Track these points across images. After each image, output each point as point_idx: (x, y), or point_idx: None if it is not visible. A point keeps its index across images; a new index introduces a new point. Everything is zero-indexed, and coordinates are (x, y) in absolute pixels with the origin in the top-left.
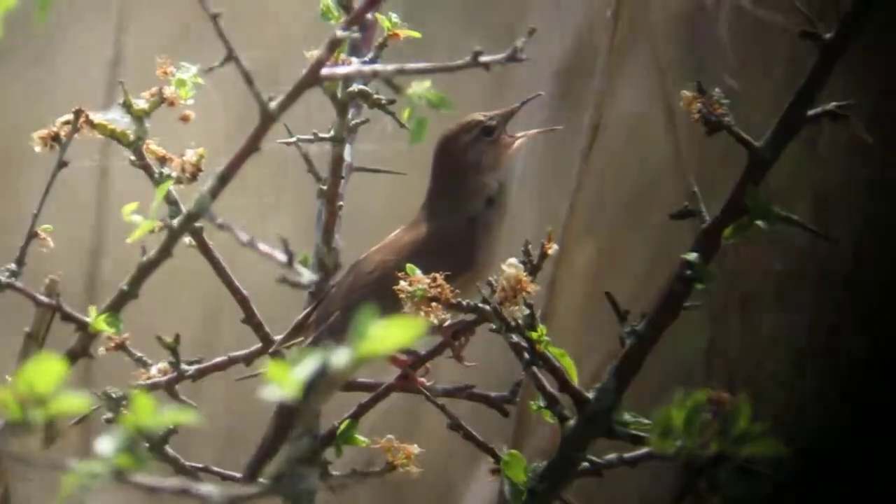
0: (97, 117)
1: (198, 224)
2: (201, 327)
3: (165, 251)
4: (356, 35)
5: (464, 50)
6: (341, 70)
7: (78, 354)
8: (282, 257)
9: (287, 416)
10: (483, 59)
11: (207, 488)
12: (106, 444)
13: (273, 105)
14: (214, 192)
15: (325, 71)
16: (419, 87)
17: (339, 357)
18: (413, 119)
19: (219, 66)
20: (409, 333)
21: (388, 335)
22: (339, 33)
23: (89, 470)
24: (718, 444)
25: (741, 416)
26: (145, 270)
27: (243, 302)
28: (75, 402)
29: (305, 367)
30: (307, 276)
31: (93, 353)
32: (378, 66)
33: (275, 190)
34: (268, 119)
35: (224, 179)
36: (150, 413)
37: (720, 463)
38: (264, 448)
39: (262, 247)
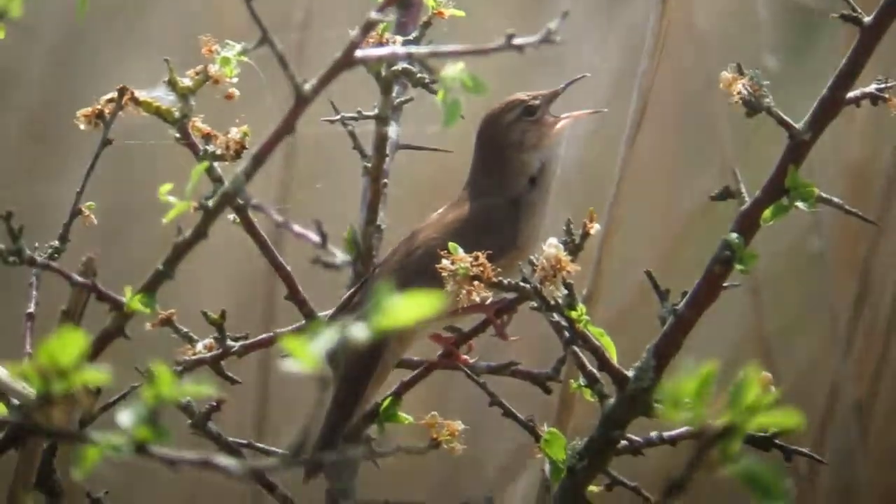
0: (142, 95)
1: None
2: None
3: (201, 232)
4: (390, 19)
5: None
6: (376, 52)
7: (113, 335)
8: (315, 238)
9: (345, 396)
10: (516, 41)
11: (228, 461)
12: (126, 417)
13: (307, 87)
14: (249, 173)
15: (359, 53)
16: (453, 70)
17: (358, 331)
18: (447, 101)
19: (253, 49)
20: (429, 307)
21: (408, 309)
22: (374, 15)
23: (110, 442)
24: (729, 414)
25: (751, 384)
26: (181, 251)
27: (287, 278)
28: (97, 375)
29: (324, 341)
30: (340, 256)
31: (128, 334)
32: (413, 49)
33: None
34: (302, 101)
35: (258, 160)
36: (170, 385)
37: (731, 433)
38: (328, 431)
39: (297, 227)
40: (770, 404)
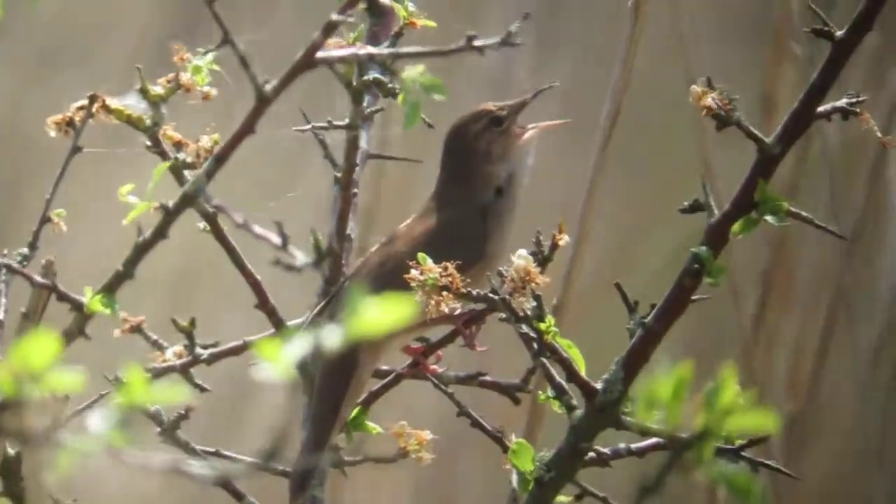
0: (114, 102)
1: (211, 210)
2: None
3: (160, 232)
4: (351, 19)
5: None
6: (337, 53)
7: (73, 335)
8: (276, 240)
9: (322, 414)
10: (477, 43)
11: (198, 466)
12: (98, 421)
13: (268, 88)
14: (210, 173)
15: (320, 54)
16: (413, 72)
17: (331, 336)
18: (407, 103)
19: (214, 50)
20: (402, 314)
21: (383, 315)
22: (334, 17)
23: (82, 446)
24: (704, 418)
25: (726, 387)
26: (141, 251)
27: (256, 286)
28: (70, 380)
29: (297, 346)
30: (301, 258)
31: (88, 334)
32: (373, 49)
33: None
34: (263, 102)
35: (220, 160)
36: (143, 390)
37: (706, 437)
38: (309, 449)
39: (257, 229)
40: (744, 406)
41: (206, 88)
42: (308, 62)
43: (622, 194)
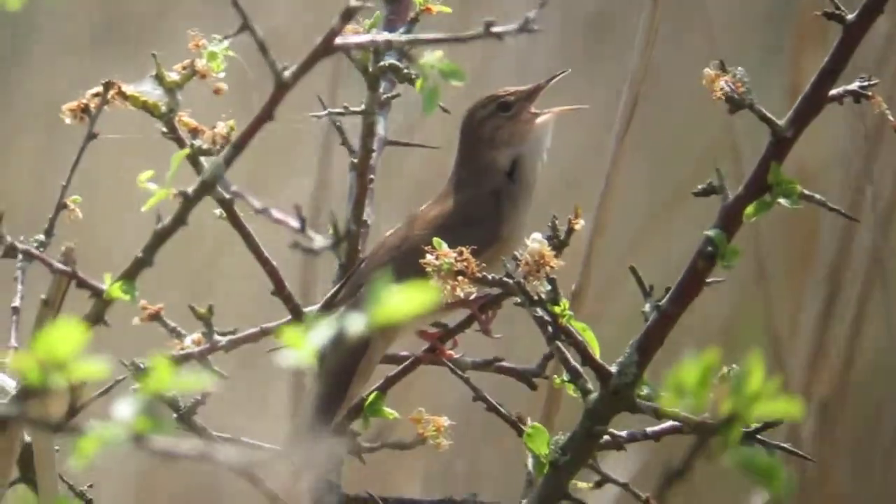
0: (129, 89)
1: (228, 196)
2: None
3: (180, 219)
4: (370, 5)
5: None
6: (355, 39)
7: (93, 321)
8: (295, 223)
9: (330, 393)
10: (495, 29)
11: (225, 453)
12: (125, 408)
13: (287, 74)
14: (228, 160)
15: (339, 40)
16: (431, 58)
17: (355, 323)
18: (425, 89)
19: (234, 36)
20: (425, 301)
21: (404, 303)
22: (353, 3)
23: (108, 434)
24: (731, 404)
25: (753, 374)
26: (160, 238)
27: (272, 273)
28: (95, 368)
29: (322, 332)
30: (319, 241)
31: (107, 321)
32: (391, 36)
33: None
34: (282, 87)
35: (238, 148)
36: (169, 378)
37: (733, 423)
38: (314, 427)
39: (276, 213)
40: (772, 392)
41: (219, 83)
42: (327, 49)
43: (645, 180)
